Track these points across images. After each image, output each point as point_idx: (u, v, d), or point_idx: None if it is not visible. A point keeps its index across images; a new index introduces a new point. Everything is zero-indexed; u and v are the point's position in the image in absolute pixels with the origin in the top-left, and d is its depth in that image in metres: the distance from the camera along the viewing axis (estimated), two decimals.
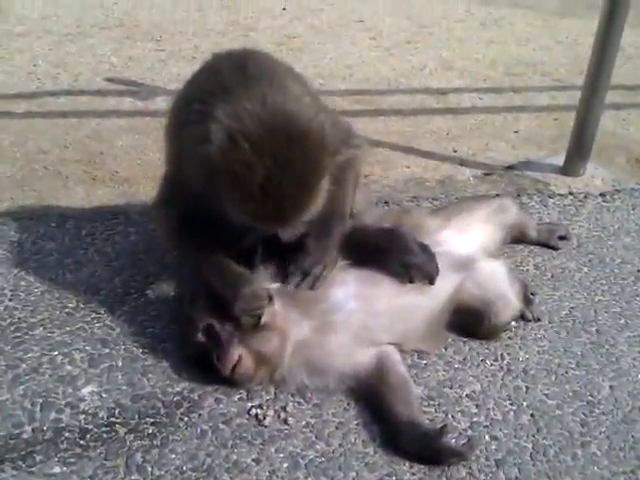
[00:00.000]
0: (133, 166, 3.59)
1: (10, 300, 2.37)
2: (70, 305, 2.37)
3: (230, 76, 1.98)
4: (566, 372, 2.29)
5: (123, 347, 2.22)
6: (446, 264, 2.28)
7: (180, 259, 2.53)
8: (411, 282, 2.17)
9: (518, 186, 3.57)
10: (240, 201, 1.86)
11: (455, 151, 4.24)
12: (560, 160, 3.74)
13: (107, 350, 2.20)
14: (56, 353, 2.16)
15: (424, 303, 2.23)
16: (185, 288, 2.42)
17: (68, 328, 2.26)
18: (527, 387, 2.22)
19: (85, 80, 4.87)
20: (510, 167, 3.90)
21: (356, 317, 2.14)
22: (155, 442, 1.91)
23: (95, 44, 5.57)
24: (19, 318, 2.29)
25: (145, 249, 2.69)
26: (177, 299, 2.41)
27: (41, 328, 2.25)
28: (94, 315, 2.33)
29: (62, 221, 2.81)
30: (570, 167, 3.68)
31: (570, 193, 3.47)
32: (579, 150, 3.65)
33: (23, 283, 2.46)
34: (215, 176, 1.85)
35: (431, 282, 2.19)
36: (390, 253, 2.18)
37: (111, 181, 3.46)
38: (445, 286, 2.25)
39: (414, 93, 5.14)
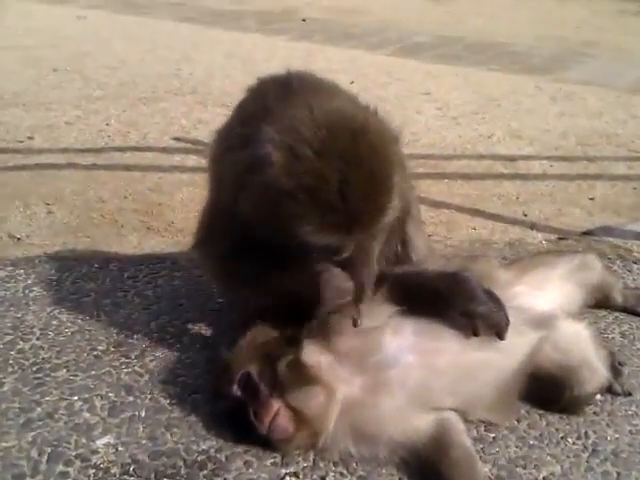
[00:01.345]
0: (189, 218, 3.51)
1: (38, 339, 2.21)
2: (100, 348, 2.19)
3: (273, 95, 1.84)
4: None
5: (149, 396, 1.99)
6: (521, 320, 1.98)
7: (226, 300, 2.32)
8: (476, 335, 1.87)
9: (597, 251, 3.22)
10: (318, 216, 1.63)
11: (525, 215, 4.00)
12: None
13: (131, 398, 1.98)
14: (76, 398, 1.96)
15: (494, 362, 1.91)
16: (226, 333, 2.19)
17: (93, 372, 2.07)
18: (618, 473, 1.83)
19: (153, 139, 4.98)
20: (587, 233, 3.60)
21: (414, 374, 1.85)
22: None
23: (167, 108, 5.76)
24: (43, 358, 2.12)
25: (187, 295, 2.51)
26: (215, 346, 2.18)
27: (64, 370, 2.07)
28: (123, 360, 2.14)
29: (106, 263, 2.69)
30: None
31: None
32: None
33: (55, 322, 2.31)
34: (280, 202, 1.65)
35: (500, 336, 1.88)
36: (451, 300, 1.89)
37: (166, 231, 3.39)
38: (519, 344, 1.94)
39: (480, 159, 4.97)
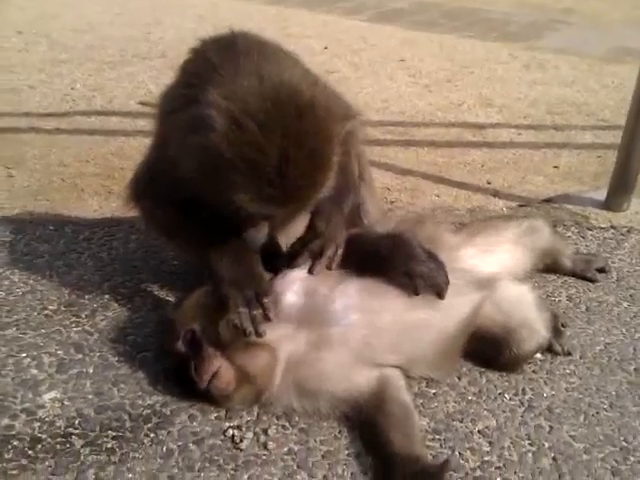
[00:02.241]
0: None
1: None
2: (50, 307, 2.20)
3: (218, 55, 1.82)
4: (597, 413, 1.97)
5: (98, 354, 2.02)
6: (463, 280, 2.03)
7: (180, 262, 2.34)
8: (416, 294, 1.91)
9: (555, 218, 3.29)
10: (255, 188, 1.65)
11: (489, 183, 4.02)
12: (602, 195, 3.47)
13: (80, 356, 2.01)
14: (24, 355, 1.98)
15: (436, 322, 1.96)
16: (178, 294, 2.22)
17: (43, 330, 2.09)
18: (551, 427, 1.91)
19: (119, 103, 4.90)
20: (547, 200, 3.64)
21: (357, 332, 1.90)
22: (112, 458, 1.68)
23: (135, 72, 5.65)
24: None
25: (142, 257, 2.53)
26: (166, 307, 2.21)
27: (14, 328, 2.09)
28: (74, 319, 2.16)
29: (61, 225, 2.69)
30: (612, 202, 3.40)
31: (612, 227, 3.17)
32: (622, 184, 3.38)
33: (6, 282, 2.31)
34: (219, 166, 1.66)
35: (439, 295, 1.92)
36: (393, 260, 1.93)
37: None
38: (461, 304, 1.99)
39: (449, 126, 4.97)
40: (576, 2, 9.67)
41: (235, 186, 1.66)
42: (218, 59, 1.79)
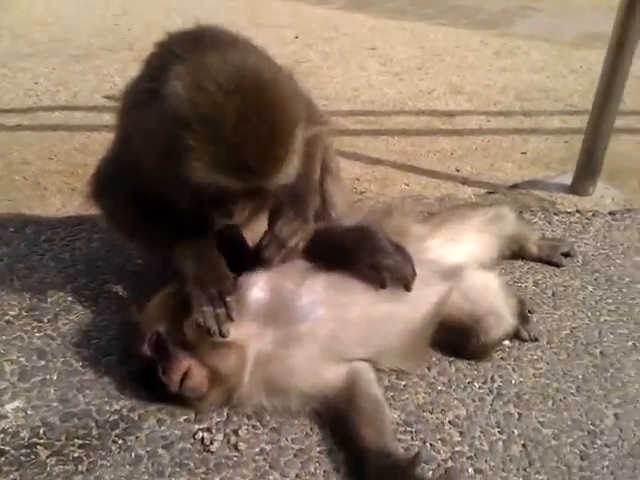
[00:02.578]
0: None
1: None
2: (11, 313, 2.15)
3: (183, 48, 1.76)
4: (565, 398, 1.99)
5: (62, 359, 1.98)
6: (430, 271, 2.02)
7: (144, 262, 2.30)
8: (383, 287, 1.90)
9: (522, 204, 3.31)
10: (212, 151, 1.58)
11: (458, 170, 4.04)
12: (568, 180, 3.50)
13: (43, 362, 1.96)
14: None
15: (403, 314, 1.95)
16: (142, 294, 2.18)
17: (4, 337, 2.04)
18: (520, 414, 1.92)
19: (83, 97, 4.81)
20: (515, 186, 3.67)
21: (324, 327, 1.88)
22: (80, 467, 1.65)
23: (100, 65, 5.55)
24: None
25: (105, 257, 2.48)
26: (130, 308, 2.17)
27: None
28: (35, 324, 2.11)
29: (22, 226, 2.62)
30: (578, 186, 3.43)
31: (577, 211, 3.20)
32: (588, 169, 3.41)
33: None
34: (177, 136, 1.59)
35: (407, 288, 1.92)
36: (359, 253, 1.92)
37: None
38: (428, 295, 1.99)
39: (419, 115, 4.97)
40: None
41: (193, 153, 1.59)
42: (183, 51, 1.73)
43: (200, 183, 1.61)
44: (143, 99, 1.79)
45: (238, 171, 1.60)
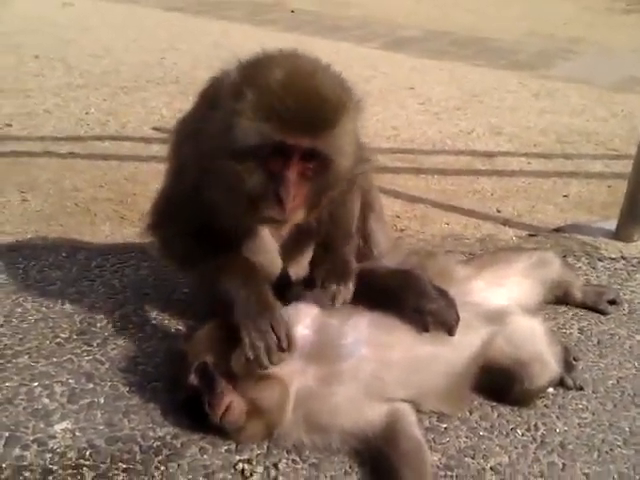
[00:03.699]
0: None
1: (1, 326, 2.23)
2: (62, 335, 2.21)
3: (241, 73, 1.78)
4: (611, 450, 1.95)
5: (109, 384, 2.02)
6: (474, 314, 2.02)
7: (191, 291, 2.35)
8: (426, 331, 1.91)
9: (565, 247, 3.28)
10: (262, 106, 1.66)
11: (499, 211, 4.04)
12: (612, 225, 3.46)
13: (91, 385, 2.01)
14: (36, 384, 1.99)
15: (446, 356, 1.95)
16: (189, 323, 2.23)
17: (55, 359, 2.10)
18: (564, 464, 1.88)
19: (132, 128, 4.97)
20: (557, 229, 3.64)
21: (367, 366, 1.89)
22: None
23: (149, 97, 5.74)
24: (5, 345, 2.14)
25: (154, 285, 2.54)
26: (177, 336, 2.22)
27: (26, 357, 2.10)
28: (85, 348, 2.16)
29: (74, 252, 2.71)
30: (623, 232, 3.39)
31: (622, 257, 3.16)
32: (632, 214, 3.38)
33: (19, 310, 2.33)
34: (229, 103, 1.69)
35: (450, 333, 1.92)
36: (403, 297, 1.94)
37: (139, 221, 3.37)
38: (471, 339, 1.99)
39: (459, 154, 5.01)
40: (586, 31, 9.76)
41: (244, 115, 1.67)
42: (241, 76, 1.77)
43: (251, 146, 1.67)
44: (199, 128, 1.86)
45: (288, 122, 1.65)
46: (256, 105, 1.67)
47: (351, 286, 2.01)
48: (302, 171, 1.73)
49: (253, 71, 1.73)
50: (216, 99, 1.81)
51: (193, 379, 1.83)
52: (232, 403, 1.78)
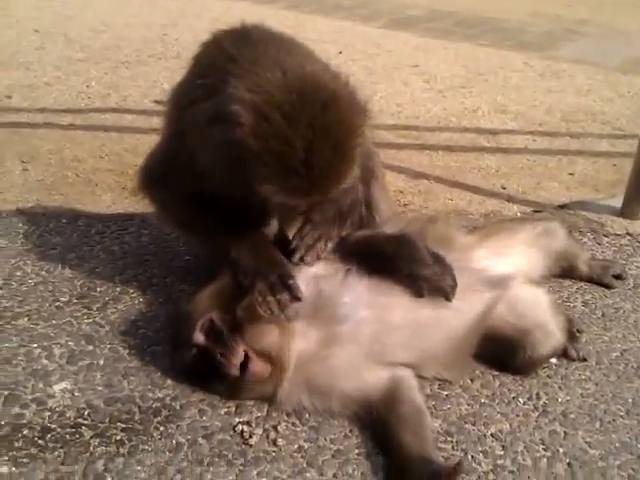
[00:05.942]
0: None
1: (0, 288, 2.21)
2: (62, 299, 2.20)
3: (234, 46, 1.82)
4: (614, 420, 1.93)
5: (109, 346, 2.01)
6: (476, 279, 2.00)
7: (193, 257, 2.33)
8: (420, 296, 1.89)
9: (570, 224, 3.24)
10: (281, 180, 1.66)
11: (504, 188, 3.99)
12: (618, 202, 3.43)
13: (90, 347, 1.99)
14: (35, 346, 1.98)
15: (447, 320, 1.93)
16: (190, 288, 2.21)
17: (54, 321, 2.08)
18: (565, 432, 1.87)
19: (133, 101, 4.92)
20: (563, 206, 3.61)
21: (367, 328, 1.87)
22: (122, 450, 1.67)
23: (150, 71, 5.67)
24: (5, 307, 2.13)
25: (154, 251, 2.52)
26: (178, 300, 2.20)
27: (26, 319, 2.08)
28: (85, 311, 2.15)
29: (74, 219, 2.69)
30: (629, 209, 3.36)
31: (628, 234, 3.13)
32: (638, 192, 3.34)
33: (18, 273, 2.31)
34: (244, 159, 1.66)
35: (446, 298, 1.90)
36: (397, 262, 1.92)
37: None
38: (473, 303, 1.96)
39: (464, 132, 4.94)
40: (592, 13, 9.64)
41: (261, 178, 1.66)
42: (234, 49, 1.78)
43: (265, 199, 1.69)
44: (198, 96, 1.83)
45: (305, 191, 1.68)
46: (274, 177, 1.66)
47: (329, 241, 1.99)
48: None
49: (266, 127, 1.64)
50: (213, 72, 1.80)
51: (199, 337, 1.80)
52: (248, 353, 1.76)
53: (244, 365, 1.75)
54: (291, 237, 2.02)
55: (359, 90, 1.86)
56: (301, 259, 1.93)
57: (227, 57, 1.77)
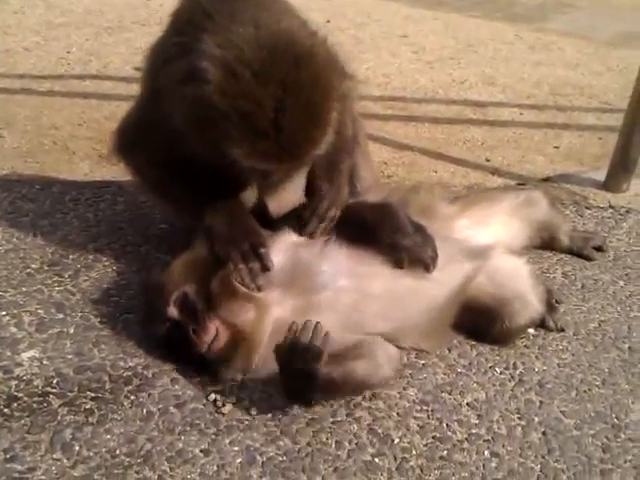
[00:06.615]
0: None
1: None
2: (33, 266, 2.14)
3: (210, 1, 1.75)
4: (589, 389, 1.93)
5: (80, 314, 1.97)
6: (457, 250, 1.98)
7: (168, 225, 2.28)
8: (400, 267, 1.86)
9: (553, 196, 3.21)
10: (250, 142, 1.59)
11: (488, 160, 3.96)
12: (602, 175, 3.41)
13: (61, 315, 1.95)
14: (4, 313, 1.93)
15: (426, 290, 1.91)
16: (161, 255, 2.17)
17: (24, 289, 2.03)
18: (541, 402, 1.87)
19: (115, 68, 4.81)
20: (546, 179, 3.58)
21: (346, 297, 1.84)
22: (90, 419, 1.64)
23: (132, 38, 5.54)
24: None
25: (129, 219, 2.46)
26: (151, 269, 2.15)
27: None
28: (56, 278, 2.10)
29: (48, 185, 2.62)
30: (612, 182, 3.34)
31: (610, 207, 3.12)
32: (622, 165, 3.33)
33: None
34: (213, 119, 1.59)
35: (427, 269, 1.87)
36: (378, 232, 1.88)
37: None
38: (452, 273, 1.94)
39: (451, 104, 4.89)
40: None
41: (230, 139, 1.60)
42: (211, 6, 1.71)
43: (236, 162, 1.62)
44: (173, 55, 1.76)
45: (276, 156, 1.61)
46: (244, 139, 1.59)
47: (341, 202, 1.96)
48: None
49: (235, 85, 1.57)
50: (189, 30, 1.73)
51: (173, 311, 1.77)
52: (218, 330, 1.73)
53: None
54: (275, 206, 1.98)
55: (337, 51, 1.80)
56: (311, 235, 1.90)
57: (203, 13, 1.70)
